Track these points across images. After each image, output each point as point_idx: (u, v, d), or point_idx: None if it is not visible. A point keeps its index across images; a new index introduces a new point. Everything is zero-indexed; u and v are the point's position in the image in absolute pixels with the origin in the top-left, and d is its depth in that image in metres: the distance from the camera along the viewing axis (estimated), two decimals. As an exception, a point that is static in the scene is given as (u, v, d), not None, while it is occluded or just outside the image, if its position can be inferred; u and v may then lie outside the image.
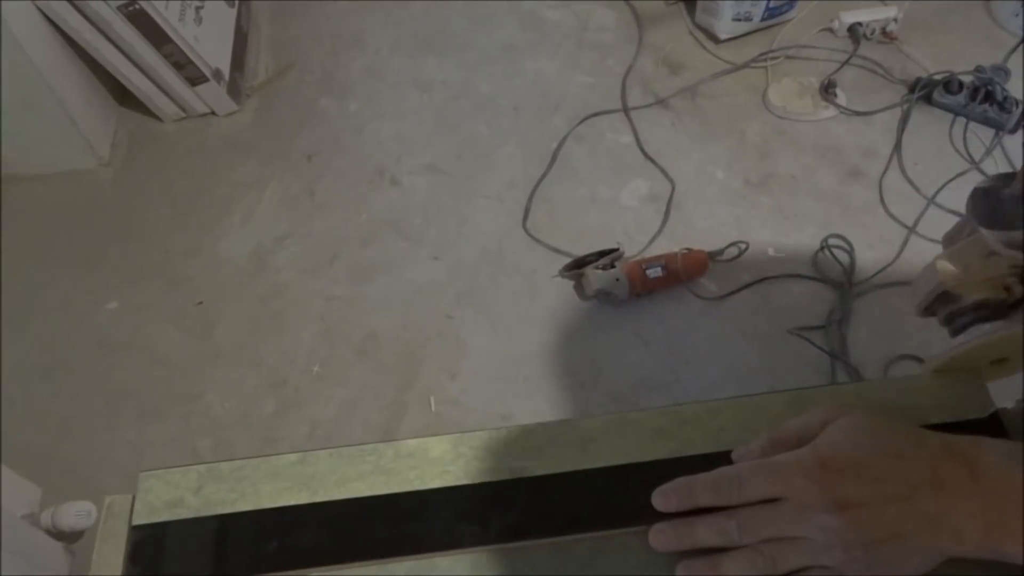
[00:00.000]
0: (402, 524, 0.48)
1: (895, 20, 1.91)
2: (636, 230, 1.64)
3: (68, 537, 1.20)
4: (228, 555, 0.47)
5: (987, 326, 0.47)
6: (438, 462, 0.50)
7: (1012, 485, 0.39)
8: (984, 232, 0.44)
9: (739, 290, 1.54)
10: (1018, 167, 1.68)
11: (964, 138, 1.74)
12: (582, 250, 1.57)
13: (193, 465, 0.51)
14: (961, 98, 1.75)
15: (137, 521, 0.48)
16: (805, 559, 0.41)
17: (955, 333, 0.49)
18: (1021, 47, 1.71)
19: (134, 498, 0.49)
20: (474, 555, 0.47)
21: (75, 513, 1.18)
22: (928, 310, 0.51)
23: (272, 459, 0.51)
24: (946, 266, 0.47)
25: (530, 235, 1.64)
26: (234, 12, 1.94)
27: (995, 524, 0.39)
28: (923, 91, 1.79)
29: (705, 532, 0.44)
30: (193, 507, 0.49)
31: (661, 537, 0.45)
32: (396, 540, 0.47)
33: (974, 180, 1.68)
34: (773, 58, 1.91)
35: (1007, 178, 0.43)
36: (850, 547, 0.40)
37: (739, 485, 0.44)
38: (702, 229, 1.63)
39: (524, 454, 0.50)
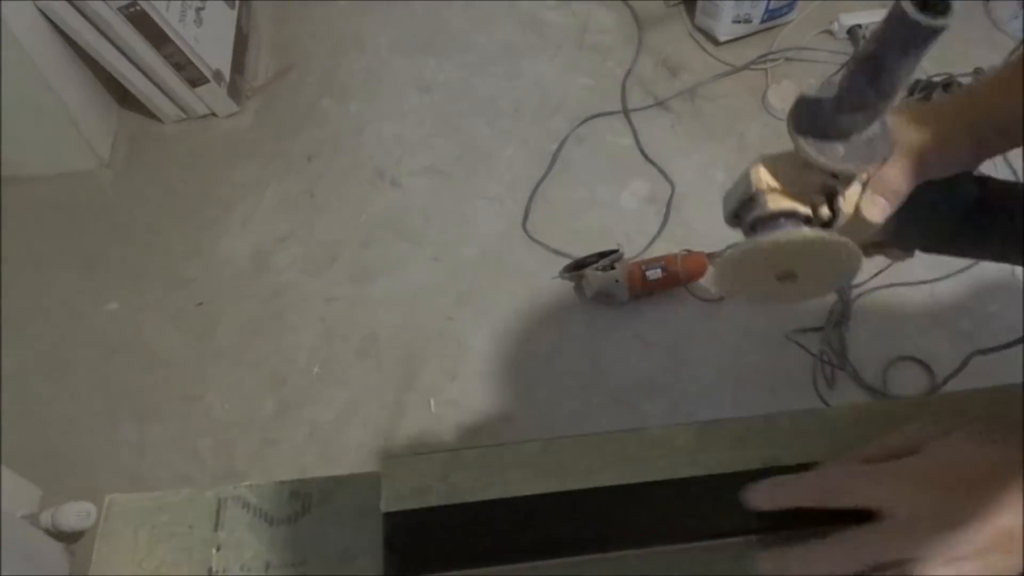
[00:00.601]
0: (659, 512, 0.47)
1: (895, 22, 1.91)
2: (636, 231, 1.64)
3: (68, 537, 1.20)
4: (483, 542, 0.47)
5: (789, 225, 0.45)
6: (684, 450, 0.50)
7: None
8: (800, 140, 0.42)
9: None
10: (1017, 168, 1.68)
11: (963, 140, 1.74)
12: (582, 251, 1.57)
13: (436, 453, 0.51)
14: (960, 100, 1.75)
15: (387, 508, 0.48)
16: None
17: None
18: (1020, 49, 1.72)
19: (381, 485, 0.49)
20: (737, 546, 0.47)
21: (75, 513, 1.19)
22: (736, 217, 0.49)
23: (515, 447, 0.51)
24: (761, 171, 0.46)
25: (530, 236, 1.64)
26: (234, 13, 1.94)
27: None
28: (922, 93, 1.79)
29: (822, 563, 0.42)
30: (442, 495, 0.49)
31: (774, 565, 0.44)
32: (656, 528, 0.47)
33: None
34: (773, 60, 1.91)
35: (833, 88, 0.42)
36: (962, 567, 0.38)
37: (851, 488, 0.43)
38: (702, 231, 1.63)
39: (773, 443, 0.50)
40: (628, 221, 1.66)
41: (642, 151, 1.77)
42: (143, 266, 1.65)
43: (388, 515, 0.48)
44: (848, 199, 0.46)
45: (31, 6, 1.55)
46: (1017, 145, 0.47)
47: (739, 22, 1.90)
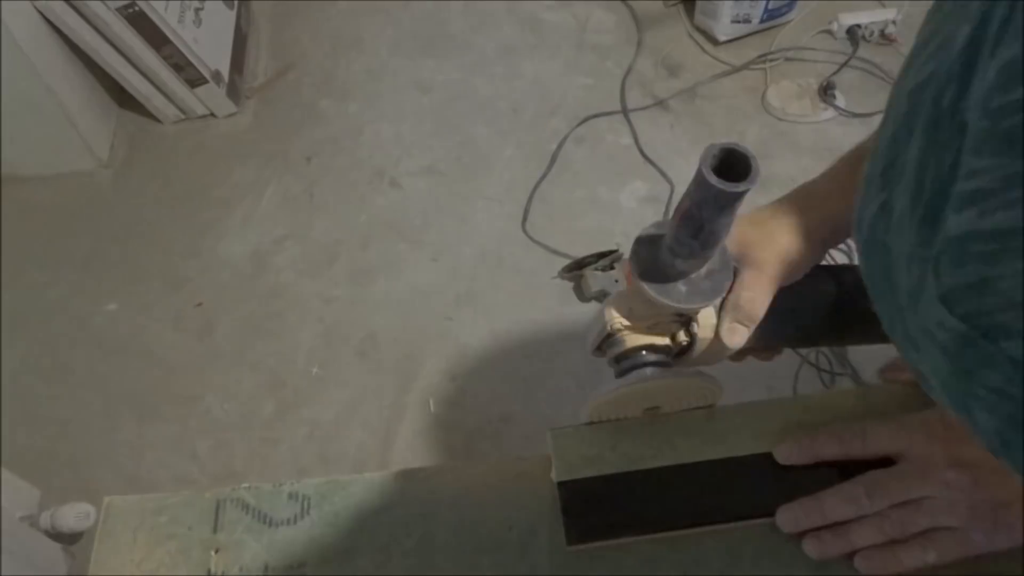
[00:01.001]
0: (830, 475, 0.48)
1: (894, 22, 1.91)
2: (635, 231, 1.62)
3: (67, 538, 1.20)
4: (655, 508, 0.49)
5: (648, 371, 0.48)
6: (851, 414, 0.51)
7: None
8: (642, 285, 0.44)
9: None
10: None
11: (963, 140, 1.74)
12: (581, 251, 1.57)
13: (602, 423, 0.52)
14: (960, 100, 1.75)
15: (560, 478, 0.50)
16: (932, 520, 0.41)
17: (620, 374, 0.49)
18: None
19: (551, 456, 0.51)
20: None
21: (74, 514, 1.19)
22: (599, 350, 0.51)
23: (679, 416, 0.52)
24: (612, 312, 0.48)
25: (529, 236, 1.64)
26: (233, 14, 1.94)
27: None
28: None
29: (832, 501, 0.44)
30: (615, 463, 0.50)
31: (790, 516, 0.46)
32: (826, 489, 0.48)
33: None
34: (772, 60, 1.91)
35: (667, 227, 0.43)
36: (976, 506, 0.40)
37: (863, 436, 0.45)
38: (701, 230, 1.63)
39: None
40: (627, 221, 1.66)
41: (641, 151, 1.77)
42: (142, 266, 1.65)
43: (563, 484, 0.49)
44: (704, 324, 0.48)
45: (30, 7, 1.55)
46: (848, 238, 0.49)
47: (738, 22, 1.90)
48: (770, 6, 1.89)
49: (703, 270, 0.44)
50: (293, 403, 1.45)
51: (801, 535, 0.46)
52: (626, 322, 0.48)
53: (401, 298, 1.58)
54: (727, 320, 0.47)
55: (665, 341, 0.49)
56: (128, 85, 1.76)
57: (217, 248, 1.67)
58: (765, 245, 0.47)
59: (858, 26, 1.91)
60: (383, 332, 1.53)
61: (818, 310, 0.51)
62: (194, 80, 1.77)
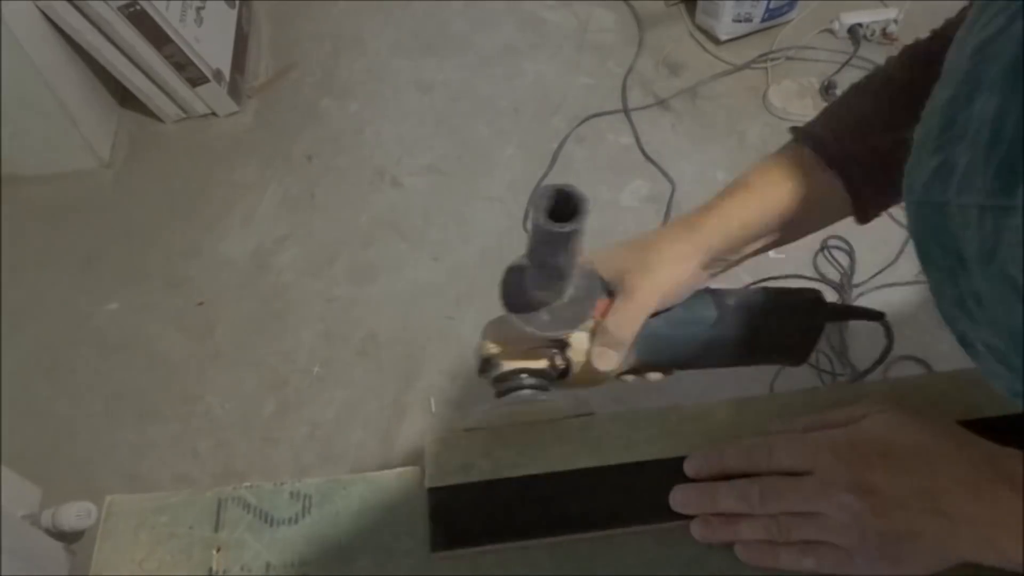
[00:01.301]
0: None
1: (895, 21, 1.91)
2: (636, 231, 1.63)
3: (68, 537, 1.20)
4: (524, 516, 0.48)
5: (525, 393, 0.49)
6: (724, 425, 0.51)
7: None
8: (508, 314, 0.46)
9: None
10: None
11: (964, 139, 1.74)
12: (582, 251, 1.57)
13: (479, 430, 0.52)
14: (961, 99, 1.75)
15: (431, 484, 0.50)
16: (818, 535, 0.42)
17: (500, 395, 0.51)
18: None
19: (425, 462, 0.51)
20: None
21: (75, 513, 1.19)
22: (482, 371, 0.53)
23: (555, 424, 0.52)
24: (487, 341, 0.51)
25: (530, 236, 1.64)
26: (235, 13, 1.94)
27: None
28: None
29: (727, 495, 0.45)
30: (485, 470, 0.50)
31: (681, 496, 0.46)
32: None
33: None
34: (773, 59, 1.91)
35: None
36: (866, 533, 0.40)
37: (769, 452, 0.45)
38: (702, 230, 1.63)
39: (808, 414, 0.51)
40: (628, 220, 1.66)
41: (642, 150, 1.77)
42: (143, 266, 1.65)
43: (432, 490, 0.49)
44: (577, 348, 0.50)
45: (31, 6, 1.55)
46: (742, 255, 0.52)
47: (740, 21, 1.90)
48: (771, 5, 1.89)
49: (565, 298, 0.46)
50: (294, 402, 1.45)
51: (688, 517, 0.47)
52: (496, 348, 0.50)
53: (402, 297, 1.58)
54: (596, 344, 0.50)
55: (542, 365, 0.50)
56: (129, 84, 1.76)
57: (218, 247, 1.67)
58: (640, 272, 0.49)
59: (859, 25, 1.91)
60: (384, 332, 1.53)
61: (698, 337, 0.53)
62: (195, 79, 1.78)
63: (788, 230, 0.51)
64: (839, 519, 0.41)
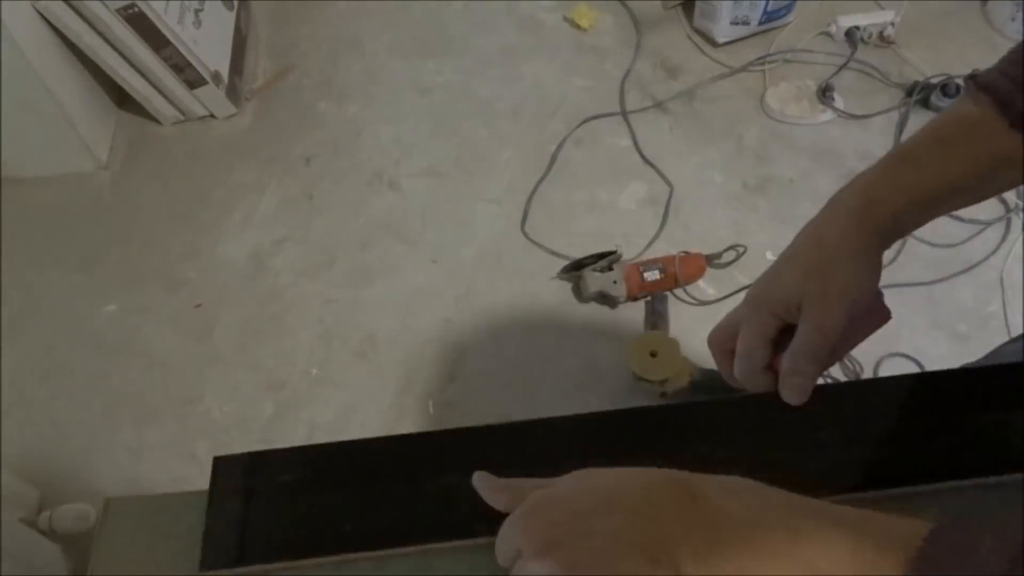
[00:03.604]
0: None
1: (892, 24, 1.92)
2: (634, 233, 1.64)
3: (66, 539, 1.20)
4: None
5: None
6: None
7: (725, 511, 0.38)
8: None
9: (736, 293, 1.54)
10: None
11: (961, 141, 1.74)
12: (580, 253, 1.57)
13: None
14: (958, 102, 1.76)
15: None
16: None
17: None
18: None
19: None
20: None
21: (73, 515, 1.18)
22: None
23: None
24: None
25: (528, 238, 1.65)
26: (233, 15, 1.94)
27: (710, 550, 0.37)
28: (920, 95, 1.80)
29: (500, 500, 0.44)
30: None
31: (480, 481, 0.45)
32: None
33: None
34: (771, 62, 1.92)
35: None
36: None
37: (497, 552, 0.42)
38: (700, 232, 1.63)
39: None
40: (626, 222, 1.66)
41: (640, 153, 1.77)
42: (141, 268, 1.65)
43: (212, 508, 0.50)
44: None
45: (29, 8, 1.55)
46: (911, 230, 0.49)
47: (737, 24, 1.90)
48: (769, 8, 1.90)
49: None
50: (292, 404, 1.45)
51: None
52: None
53: (400, 299, 1.58)
54: (787, 376, 0.49)
55: None
56: (127, 86, 1.76)
57: (216, 249, 1.67)
58: (821, 299, 0.49)
59: (857, 28, 1.91)
60: (382, 333, 1.53)
61: None
62: (193, 81, 1.78)
63: (963, 201, 0.49)
64: None
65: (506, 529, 0.41)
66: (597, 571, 0.37)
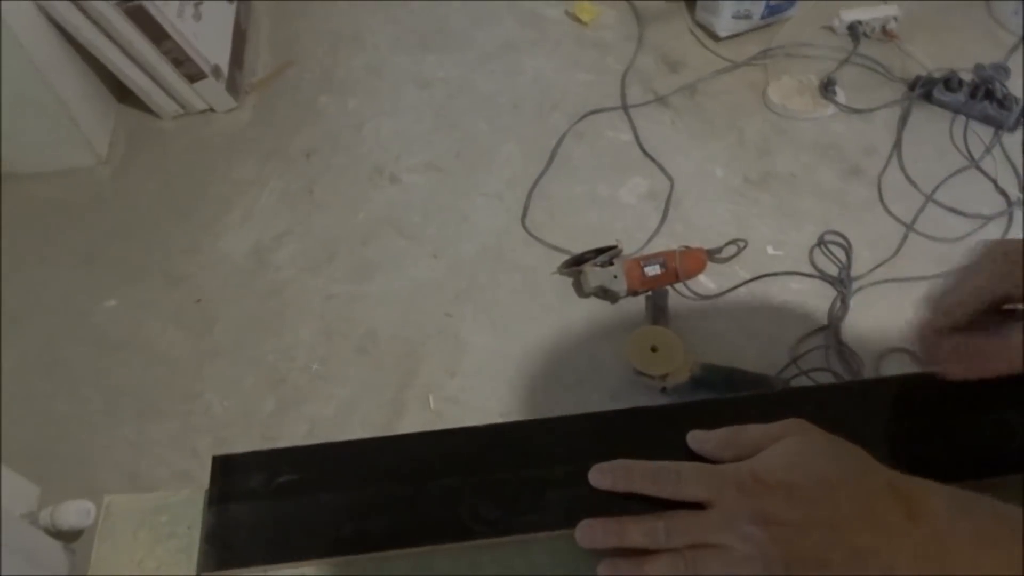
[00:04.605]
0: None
1: (895, 18, 1.91)
2: (635, 227, 1.64)
3: (67, 536, 1.20)
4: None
5: None
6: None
7: (952, 531, 0.39)
8: None
9: (737, 287, 1.54)
10: (1018, 165, 1.69)
11: (964, 136, 1.74)
12: (581, 247, 1.57)
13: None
14: (961, 96, 1.75)
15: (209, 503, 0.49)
16: (725, 568, 0.41)
17: None
18: (1021, 45, 1.71)
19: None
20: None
21: (74, 512, 1.19)
22: None
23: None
24: None
25: (529, 233, 1.64)
26: (233, 9, 1.94)
27: (930, 568, 0.38)
28: (923, 89, 1.79)
29: (633, 531, 0.44)
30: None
31: (588, 532, 0.45)
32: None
33: (974, 178, 1.68)
34: (773, 56, 1.91)
35: None
36: (770, 562, 0.40)
37: (677, 480, 0.44)
38: (701, 227, 1.63)
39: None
40: (627, 217, 1.66)
41: (641, 147, 1.77)
42: (142, 263, 1.64)
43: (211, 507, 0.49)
44: None
45: (30, 3, 1.54)
46: None
47: (739, 18, 1.90)
48: (771, 2, 1.89)
49: None
50: (293, 400, 1.46)
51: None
52: None
53: (401, 294, 1.58)
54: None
55: None
56: (127, 80, 1.75)
57: (217, 244, 1.67)
58: None
59: (859, 22, 1.91)
60: (383, 329, 1.53)
61: None
62: (194, 75, 1.77)
63: None
64: (743, 551, 0.41)
65: (729, 471, 0.43)
66: (807, 557, 0.40)
